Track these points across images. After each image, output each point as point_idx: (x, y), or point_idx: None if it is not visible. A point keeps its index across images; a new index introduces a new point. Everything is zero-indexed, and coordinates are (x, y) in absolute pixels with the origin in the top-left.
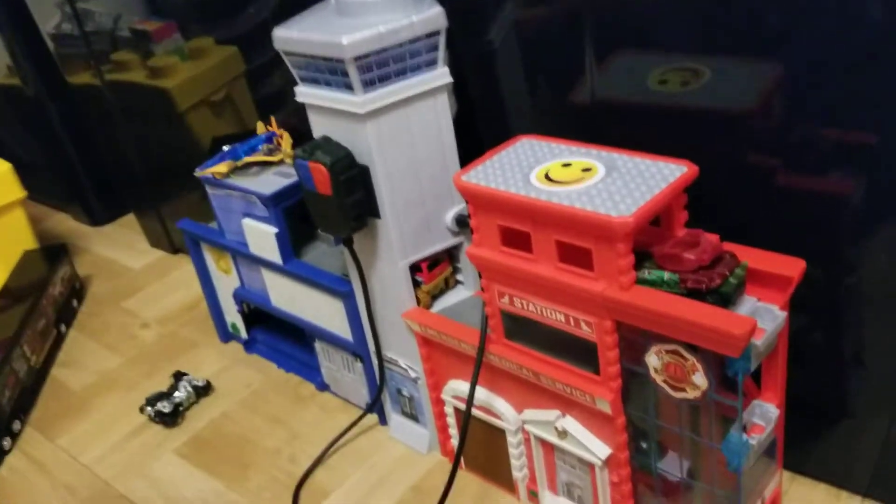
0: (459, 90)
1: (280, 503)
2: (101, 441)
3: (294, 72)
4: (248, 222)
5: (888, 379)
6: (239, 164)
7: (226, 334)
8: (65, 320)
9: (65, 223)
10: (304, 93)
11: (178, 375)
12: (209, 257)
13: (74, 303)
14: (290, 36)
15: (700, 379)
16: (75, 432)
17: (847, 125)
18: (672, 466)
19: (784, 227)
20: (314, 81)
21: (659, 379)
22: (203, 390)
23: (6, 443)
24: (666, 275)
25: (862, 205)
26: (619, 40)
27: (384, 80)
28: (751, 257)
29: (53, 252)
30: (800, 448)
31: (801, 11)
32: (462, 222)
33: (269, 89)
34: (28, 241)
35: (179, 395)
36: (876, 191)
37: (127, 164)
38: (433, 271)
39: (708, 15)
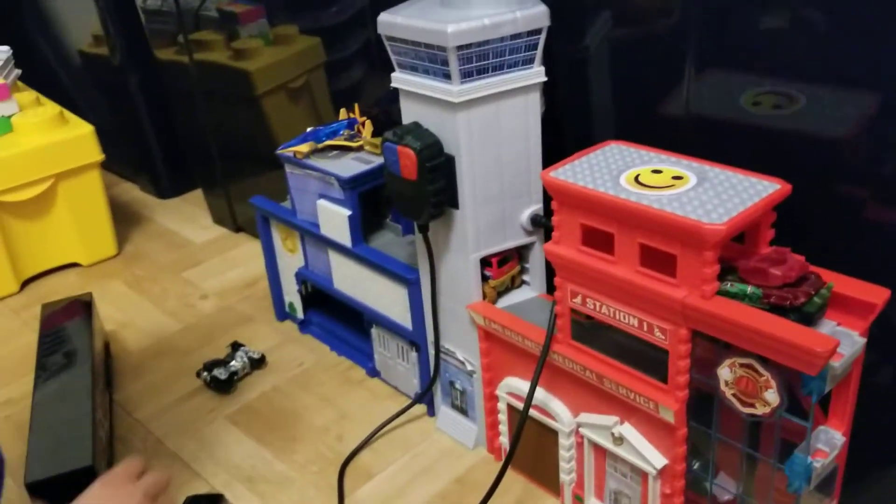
0: (549, 91)
1: (326, 478)
2: (156, 401)
3: (393, 57)
4: (322, 203)
5: None
6: (320, 146)
7: (282, 313)
8: (108, 379)
9: (131, 192)
10: (400, 79)
11: (236, 346)
12: (276, 235)
13: (109, 360)
14: (394, 21)
15: (772, 396)
16: (130, 390)
17: None
18: (725, 487)
19: (866, 258)
20: (412, 68)
21: (729, 392)
22: (258, 362)
23: None
24: (749, 288)
25: None
26: (718, 58)
27: (481, 72)
28: (835, 281)
29: (84, 305)
30: (857, 484)
31: None
32: (537, 222)
33: (347, 83)
34: (101, 206)
35: (235, 364)
36: None
37: (200, 141)
38: (502, 268)
39: (809, 43)
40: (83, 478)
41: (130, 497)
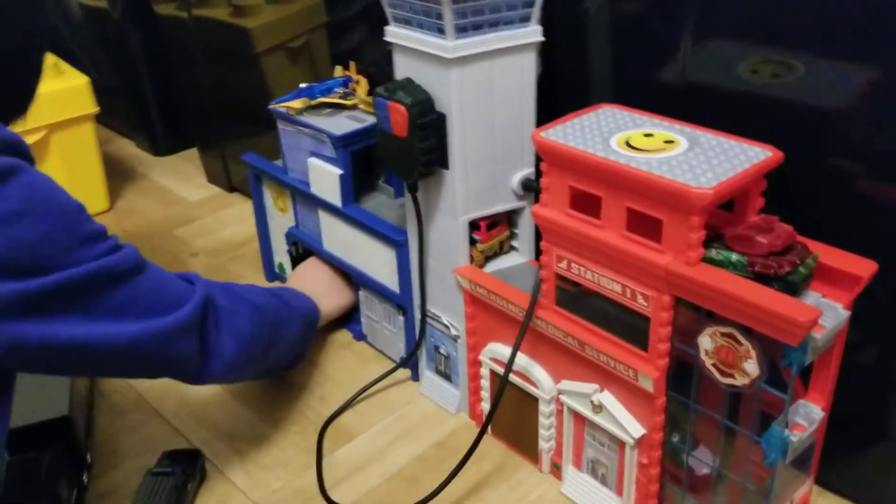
0: (545, 52)
1: (306, 439)
2: None
3: (387, 11)
4: (313, 161)
5: None
6: (313, 102)
7: (272, 273)
8: None
9: (127, 148)
10: (394, 32)
11: None
12: (268, 194)
13: None
14: None
15: (752, 366)
16: None
17: None
18: (703, 460)
19: (856, 234)
20: (406, 22)
21: (709, 362)
22: None
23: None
24: (734, 256)
25: None
26: (718, 25)
27: (477, 28)
28: (822, 252)
29: None
30: (832, 463)
31: None
32: (528, 186)
33: (348, 44)
34: (94, 159)
35: None
36: None
37: (198, 99)
38: (491, 232)
39: (811, 13)
40: (59, 426)
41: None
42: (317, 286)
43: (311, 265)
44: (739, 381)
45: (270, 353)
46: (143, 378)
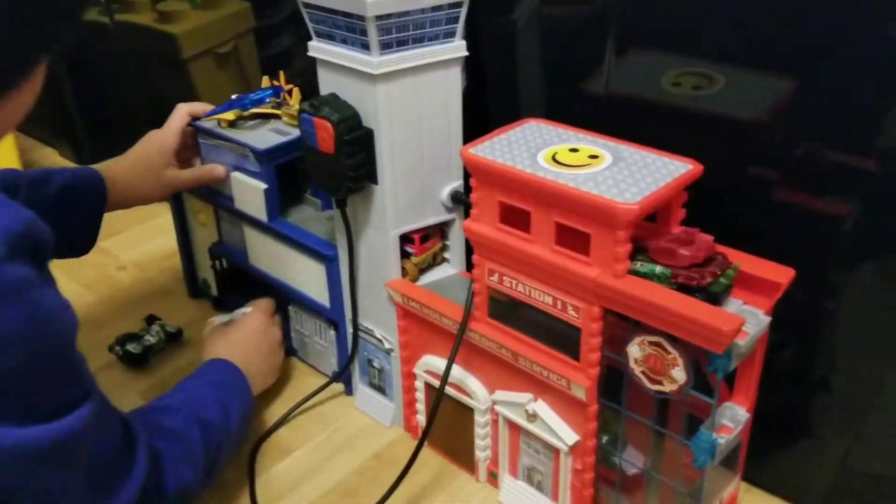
0: (471, 66)
1: (242, 457)
2: None
3: (310, 26)
4: (237, 176)
5: (851, 404)
6: (246, 113)
7: (195, 290)
8: None
9: (50, 158)
10: (318, 48)
11: (151, 319)
12: (188, 208)
13: None
14: None
15: (679, 373)
16: None
17: (850, 150)
18: (633, 461)
19: (775, 241)
20: (330, 37)
21: (638, 370)
22: (174, 336)
23: None
24: (658, 268)
25: (854, 230)
26: (640, 38)
27: (401, 44)
28: (742, 261)
29: None
30: (758, 460)
31: (822, 35)
32: (457, 199)
33: (277, 49)
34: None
35: (150, 338)
36: (870, 218)
37: (123, 106)
38: (425, 245)
39: (731, 26)
40: None
41: (274, 336)
42: (255, 364)
43: (246, 333)
44: (668, 387)
45: None
46: None
